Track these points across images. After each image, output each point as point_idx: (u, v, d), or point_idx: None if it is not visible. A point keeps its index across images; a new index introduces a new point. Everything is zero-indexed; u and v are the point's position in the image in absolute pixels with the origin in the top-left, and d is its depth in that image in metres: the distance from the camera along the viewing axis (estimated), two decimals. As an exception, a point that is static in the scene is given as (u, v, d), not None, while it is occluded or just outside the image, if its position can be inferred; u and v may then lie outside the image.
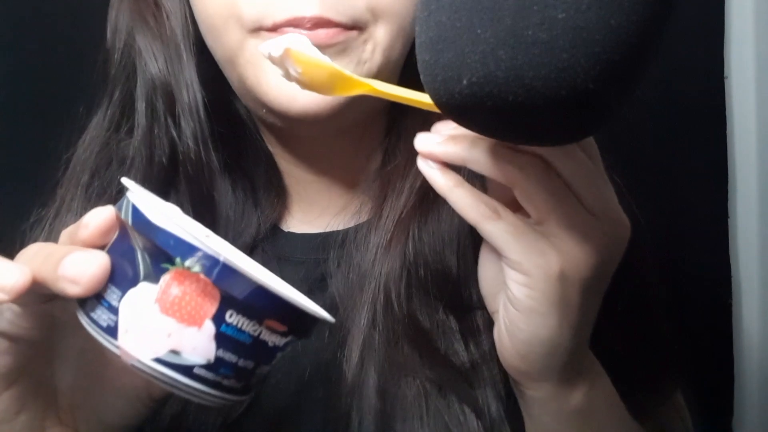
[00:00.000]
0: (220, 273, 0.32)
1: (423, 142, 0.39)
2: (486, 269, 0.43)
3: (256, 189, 0.55)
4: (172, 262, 0.32)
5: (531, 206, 0.38)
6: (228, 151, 0.53)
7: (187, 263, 0.32)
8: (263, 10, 0.45)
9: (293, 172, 0.55)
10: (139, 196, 0.34)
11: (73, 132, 0.55)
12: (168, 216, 0.32)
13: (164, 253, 0.32)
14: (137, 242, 0.33)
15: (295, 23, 0.44)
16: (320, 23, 0.44)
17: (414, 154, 0.49)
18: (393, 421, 0.46)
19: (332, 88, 0.41)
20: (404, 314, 0.47)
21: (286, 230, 0.55)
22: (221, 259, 0.32)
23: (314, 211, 0.55)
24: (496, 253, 0.39)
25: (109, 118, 0.54)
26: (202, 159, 0.51)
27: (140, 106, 0.51)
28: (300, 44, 0.41)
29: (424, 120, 0.47)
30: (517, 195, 0.38)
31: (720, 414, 0.85)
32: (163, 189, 0.51)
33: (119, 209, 0.34)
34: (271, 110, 0.48)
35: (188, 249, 0.32)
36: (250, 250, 0.53)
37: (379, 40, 0.47)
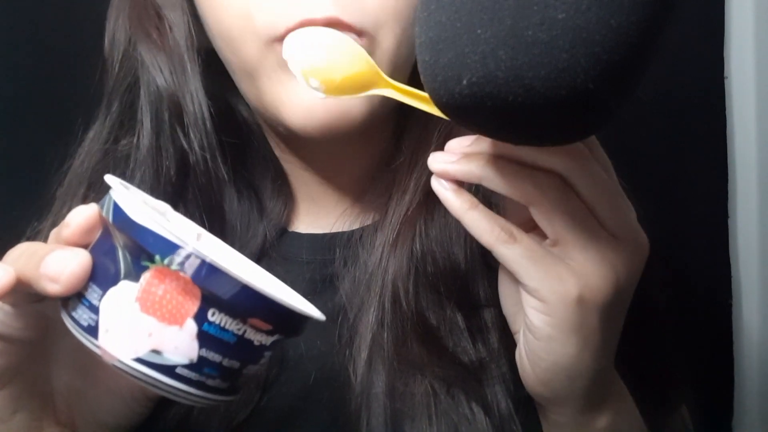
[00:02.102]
0: (200, 271, 0.31)
1: (437, 161, 0.39)
2: (506, 289, 0.42)
3: (262, 198, 0.55)
4: (152, 260, 0.32)
5: (548, 226, 0.37)
6: (233, 159, 0.53)
7: (167, 261, 0.31)
8: (275, 16, 0.44)
9: (300, 175, 0.55)
10: (121, 193, 0.33)
11: (70, 142, 0.55)
12: (148, 213, 0.32)
13: (144, 251, 0.32)
14: (118, 240, 0.33)
15: (307, 25, 0.43)
16: (333, 23, 0.43)
17: (418, 150, 0.49)
18: (402, 421, 0.46)
19: (348, 80, 0.39)
20: (412, 312, 0.47)
21: (291, 231, 0.55)
22: (200, 256, 0.31)
23: (320, 211, 0.55)
24: None
25: (107, 130, 0.53)
26: (210, 168, 0.51)
27: (145, 117, 0.51)
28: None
29: (429, 117, 0.46)
30: (534, 214, 0.37)
31: (720, 414, 0.85)
32: (172, 201, 0.50)
33: (102, 207, 0.34)
34: (290, 129, 0.47)
35: (167, 246, 0.31)
36: (258, 257, 0.53)
37: (385, 47, 0.46)
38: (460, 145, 0.39)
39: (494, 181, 0.37)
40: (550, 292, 0.36)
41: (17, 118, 0.75)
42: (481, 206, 0.38)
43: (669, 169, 0.83)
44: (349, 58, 0.39)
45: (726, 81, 0.84)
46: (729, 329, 0.85)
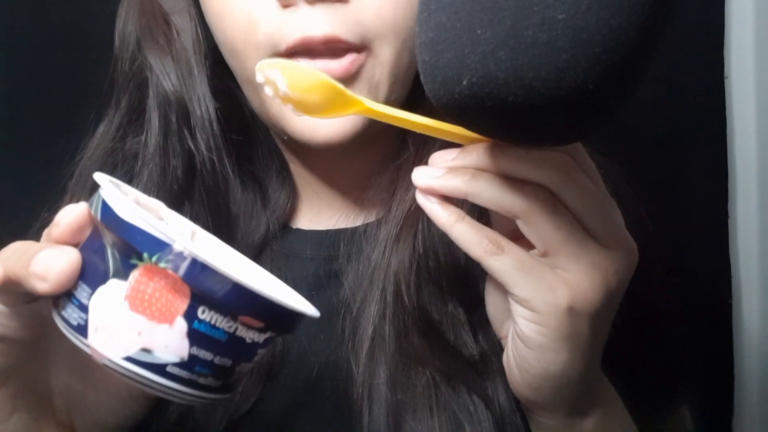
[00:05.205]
0: (189, 268, 0.31)
1: (422, 176, 0.38)
2: (492, 298, 0.42)
3: (266, 190, 0.55)
4: (141, 258, 0.32)
5: (537, 238, 0.37)
6: (238, 153, 0.53)
7: (155, 258, 0.31)
8: (276, 33, 0.45)
9: (304, 174, 0.56)
10: (110, 191, 0.33)
11: (82, 138, 0.55)
12: (136, 211, 0.32)
13: (132, 249, 0.32)
14: (107, 238, 0.33)
15: (307, 44, 0.44)
16: (331, 42, 0.44)
17: (423, 147, 0.49)
18: (404, 412, 0.46)
19: (323, 106, 0.39)
20: (414, 306, 0.47)
21: (295, 227, 0.55)
22: (188, 253, 0.31)
23: (324, 207, 0.56)
24: None
25: (116, 126, 0.54)
26: (217, 170, 0.51)
27: (153, 118, 0.51)
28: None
29: (435, 114, 0.46)
30: (522, 227, 0.37)
31: (720, 414, 0.85)
32: (178, 200, 0.51)
33: (91, 205, 0.34)
34: (293, 140, 0.48)
35: (155, 244, 0.31)
36: (260, 250, 0.53)
37: (384, 59, 0.46)
38: (444, 158, 0.38)
39: (481, 197, 0.37)
40: (541, 302, 0.36)
41: (30, 111, 0.75)
42: (467, 218, 0.38)
43: (669, 169, 0.83)
44: (318, 89, 0.38)
45: (726, 81, 0.84)
46: (729, 329, 0.85)
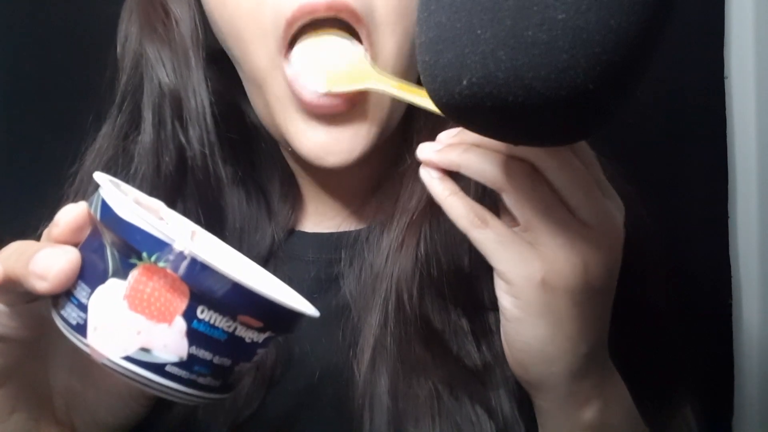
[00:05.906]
0: (188, 268, 0.31)
1: (423, 149, 0.40)
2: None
3: (270, 200, 0.55)
4: (140, 258, 0.32)
5: (518, 212, 0.38)
6: (241, 162, 0.53)
7: (154, 258, 0.31)
8: (281, 6, 0.45)
9: (308, 179, 0.56)
10: (109, 191, 0.33)
11: (83, 138, 0.55)
12: (136, 210, 0.32)
13: (132, 249, 0.32)
14: (106, 238, 0.33)
15: (310, 10, 0.44)
16: (335, 6, 0.44)
17: None
18: (405, 422, 0.46)
19: (346, 71, 0.43)
20: (416, 315, 0.47)
21: (297, 230, 0.55)
22: (187, 253, 0.31)
23: (328, 212, 0.56)
24: None
25: (117, 129, 0.54)
26: (208, 165, 0.51)
27: (147, 113, 0.51)
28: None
29: (436, 120, 0.47)
30: (505, 200, 0.38)
31: (720, 414, 0.85)
32: (171, 197, 0.51)
33: (90, 205, 0.34)
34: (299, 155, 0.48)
35: (154, 243, 0.31)
36: (266, 259, 0.53)
37: (386, 51, 0.47)
38: (448, 135, 0.41)
39: (470, 168, 0.39)
40: (515, 275, 0.38)
41: (30, 111, 0.75)
42: (461, 193, 0.40)
43: (669, 169, 0.83)
44: (348, 57, 0.43)
45: (726, 81, 0.84)
46: (729, 329, 0.85)
